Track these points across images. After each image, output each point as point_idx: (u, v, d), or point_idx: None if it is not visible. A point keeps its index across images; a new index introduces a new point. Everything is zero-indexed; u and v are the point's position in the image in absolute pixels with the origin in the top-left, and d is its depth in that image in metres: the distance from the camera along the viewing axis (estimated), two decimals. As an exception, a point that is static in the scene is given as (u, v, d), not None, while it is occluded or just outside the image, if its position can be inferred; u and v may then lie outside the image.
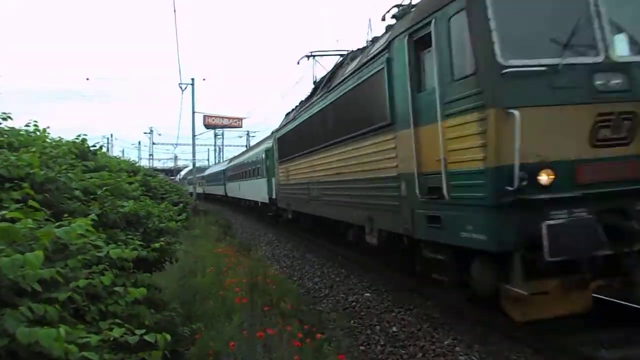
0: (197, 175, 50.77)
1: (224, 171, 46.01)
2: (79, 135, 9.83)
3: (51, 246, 3.57)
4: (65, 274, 3.47)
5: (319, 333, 6.83)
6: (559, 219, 5.77)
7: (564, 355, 6.16)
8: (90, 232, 3.84)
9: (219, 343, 5.68)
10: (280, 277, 11.68)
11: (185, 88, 40.21)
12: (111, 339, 3.27)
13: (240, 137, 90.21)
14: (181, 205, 12.39)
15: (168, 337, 3.40)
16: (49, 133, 8.40)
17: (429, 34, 7.07)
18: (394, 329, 7.92)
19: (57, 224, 3.70)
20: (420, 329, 7.76)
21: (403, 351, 6.99)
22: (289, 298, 8.63)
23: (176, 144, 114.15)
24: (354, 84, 10.50)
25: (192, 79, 41.11)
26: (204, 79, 68.99)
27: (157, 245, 5.47)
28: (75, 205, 5.34)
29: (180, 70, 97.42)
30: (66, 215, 4.62)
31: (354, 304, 9.64)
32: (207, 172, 63.82)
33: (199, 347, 5.59)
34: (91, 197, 6.00)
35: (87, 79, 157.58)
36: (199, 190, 54.50)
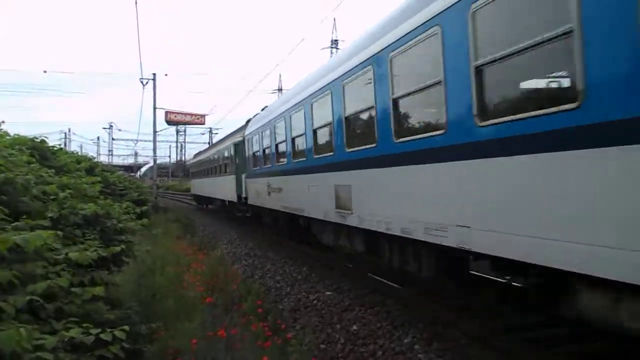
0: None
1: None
2: (36, 137, 9.61)
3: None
4: (23, 277, 3.40)
5: (282, 332, 6.84)
6: None
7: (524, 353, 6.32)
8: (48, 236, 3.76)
9: (180, 341, 5.63)
10: (242, 275, 11.64)
11: (147, 83, 39.65)
12: (65, 339, 3.21)
13: (203, 134, 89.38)
14: (145, 207, 12.23)
15: (127, 328, 3.37)
16: (5, 131, 8.18)
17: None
18: (355, 327, 7.98)
19: (14, 224, 3.62)
20: (381, 327, 7.85)
21: (363, 349, 7.05)
22: (250, 297, 8.60)
23: (137, 140, 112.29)
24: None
25: (154, 74, 40.58)
26: (165, 75, 68.03)
27: (117, 248, 5.40)
28: (34, 204, 5.23)
29: (141, 65, 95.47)
30: (24, 216, 4.51)
31: (315, 302, 9.67)
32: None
33: (159, 345, 5.53)
34: (51, 197, 5.88)
35: (45, 71, 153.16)
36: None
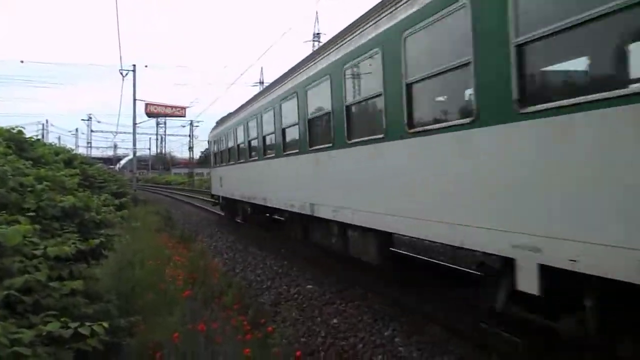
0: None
1: None
2: (12, 128, 9.43)
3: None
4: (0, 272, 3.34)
5: (263, 326, 6.84)
6: None
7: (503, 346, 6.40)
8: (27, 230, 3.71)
9: (160, 335, 5.59)
10: (223, 269, 11.60)
11: (126, 74, 39.17)
12: (43, 333, 3.17)
13: (184, 126, 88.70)
14: (124, 199, 12.12)
15: (105, 324, 3.34)
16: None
17: None
18: (335, 320, 8.01)
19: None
20: (361, 321, 7.89)
21: (344, 342, 7.08)
22: (231, 290, 8.58)
23: (116, 132, 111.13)
24: None
25: (134, 66, 40.12)
26: (146, 66, 67.24)
27: (96, 241, 5.34)
28: (11, 196, 5.14)
29: (121, 56, 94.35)
30: (3, 211, 4.44)
31: (295, 295, 9.68)
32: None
33: (139, 338, 5.49)
34: (28, 189, 5.78)
35: (22, 61, 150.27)
36: None
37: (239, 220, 20.42)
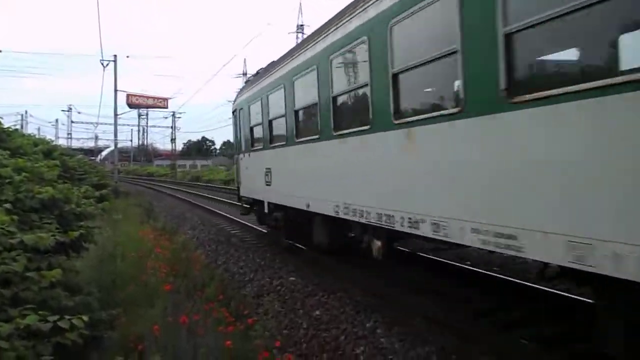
0: None
1: None
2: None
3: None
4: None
5: (245, 318, 6.84)
6: None
7: (484, 337, 6.48)
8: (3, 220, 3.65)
9: (141, 327, 5.56)
10: (205, 261, 11.56)
11: (107, 65, 38.71)
12: (21, 326, 3.13)
13: (166, 117, 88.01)
14: (105, 191, 12.00)
15: (85, 318, 3.31)
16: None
17: None
18: (317, 312, 8.03)
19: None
20: (343, 312, 7.92)
21: (326, 334, 7.11)
22: (213, 282, 8.56)
23: (97, 123, 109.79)
24: None
25: (115, 56, 39.67)
26: (127, 56, 66.52)
27: (76, 233, 5.28)
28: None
29: (101, 46, 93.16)
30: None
31: (278, 287, 9.69)
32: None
33: (120, 331, 5.45)
34: (6, 180, 5.70)
35: (0, 51, 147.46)
36: None
37: (301, 247, 12.84)
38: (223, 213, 22.57)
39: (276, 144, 12.02)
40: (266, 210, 13.18)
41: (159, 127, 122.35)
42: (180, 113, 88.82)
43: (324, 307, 8.24)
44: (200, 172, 73.63)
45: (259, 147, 13.63)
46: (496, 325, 6.67)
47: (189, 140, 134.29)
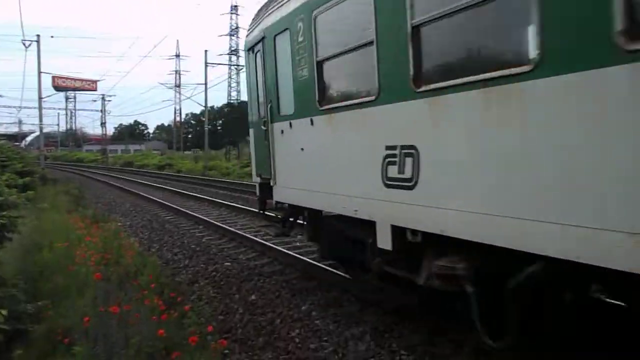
0: None
1: None
2: None
3: None
4: None
5: (179, 305, 6.78)
6: None
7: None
8: None
9: (70, 319, 5.42)
10: (139, 249, 11.32)
11: (29, 45, 36.79)
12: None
13: (95, 100, 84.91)
14: (29, 179, 11.48)
15: (4, 312, 3.21)
16: None
17: None
18: (253, 297, 8.07)
19: None
20: (279, 296, 7.99)
21: (262, 318, 7.16)
22: (146, 270, 8.40)
23: (20, 107, 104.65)
24: None
25: (38, 36, 37.72)
26: (52, 37, 63.28)
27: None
28: None
29: (22, 25, 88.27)
30: None
31: (213, 274, 9.64)
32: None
33: (46, 324, 5.30)
34: None
35: None
36: None
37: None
38: (157, 199, 22.13)
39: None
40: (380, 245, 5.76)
41: (88, 110, 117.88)
42: (110, 96, 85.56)
43: (260, 292, 8.28)
44: (133, 157, 71.65)
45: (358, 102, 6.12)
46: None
47: (121, 124, 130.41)
